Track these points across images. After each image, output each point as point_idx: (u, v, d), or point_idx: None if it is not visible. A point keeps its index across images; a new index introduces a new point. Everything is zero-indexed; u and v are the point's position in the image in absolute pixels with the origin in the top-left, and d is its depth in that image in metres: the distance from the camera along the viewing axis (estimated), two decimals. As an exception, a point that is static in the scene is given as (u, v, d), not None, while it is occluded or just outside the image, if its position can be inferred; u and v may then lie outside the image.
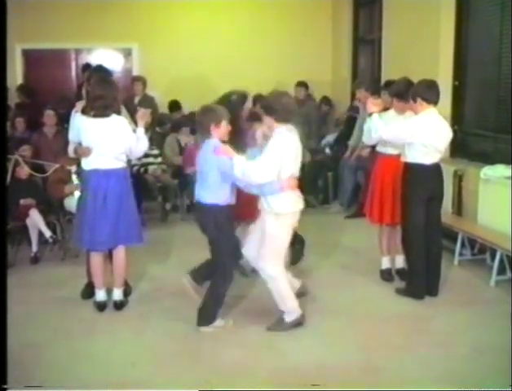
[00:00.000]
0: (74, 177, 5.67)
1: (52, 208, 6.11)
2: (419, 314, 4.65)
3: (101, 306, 4.72)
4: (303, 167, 4.46)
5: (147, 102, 8.17)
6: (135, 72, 9.71)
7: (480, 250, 5.79)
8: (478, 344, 4.11)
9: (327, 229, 6.95)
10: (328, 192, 8.41)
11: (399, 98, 5.05)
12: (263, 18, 9.87)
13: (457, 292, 5.07)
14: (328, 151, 8.59)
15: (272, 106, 4.13)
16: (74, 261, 5.76)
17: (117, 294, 4.77)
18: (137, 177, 6.97)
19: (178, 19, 9.77)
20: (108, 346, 4.17)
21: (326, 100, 9.65)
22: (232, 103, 4.80)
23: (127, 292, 4.93)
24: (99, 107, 4.48)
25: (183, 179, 7.46)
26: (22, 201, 5.95)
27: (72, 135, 4.77)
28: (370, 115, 4.77)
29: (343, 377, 3.71)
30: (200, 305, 4.32)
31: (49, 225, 5.90)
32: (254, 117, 4.97)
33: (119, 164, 4.59)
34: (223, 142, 4.19)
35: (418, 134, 4.66)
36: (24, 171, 6.08)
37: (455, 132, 5.60)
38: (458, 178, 6.18)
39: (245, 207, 4.50)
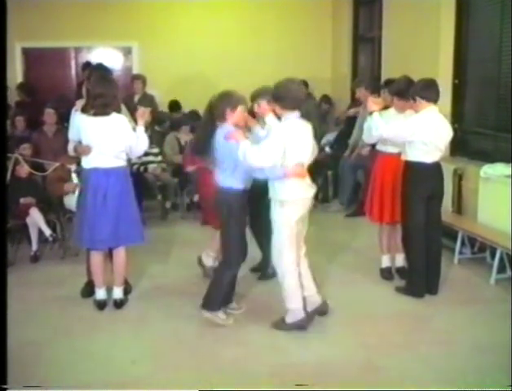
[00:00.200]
0: (74, 175, 5.68)
1: (52, 207, 6.10)
2: (419, 313, 4.65)
3: (101, 305, 4.72)
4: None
5: (147, 100, 8.17)
6: (135, 71, 9.70)
7: (480, 248, 5.79)
8: (479, 343, 4.11)
9: (327, 227, 6.94)
10: (328, 191, 8.39)
11: (400, 96, 5.04)
12: (263, 17, 9.86)
13: (457, 290, 5.07)
14: (328, 149, 8.56)
15: (280, 93, 4.11)
16: (74, 259, 5.76)
17: (117, 292, 4.77)
18: (137, 175, 6.96)
19: (177, 17, 9.77)
20: (108, 345, 4.17)
21: (326, 99, 9.65)
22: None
23: (127, 290, 4.93)
24: (99, 106, 4.47)
25: (183, 178, 7.45)
26: (22, 200, 5.94)
27: (72, 134, 4.76)
28: (370, 113, 4.76)
29: (344, 376, 3.71)
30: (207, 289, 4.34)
31: (49, 223, 5.89)
32: (252, 116, 4.96)
33: (119, 162, 4.58)
34: (239, 127, 4.17)
35: (419, 133, 4.66)
36: (24, 170, 6.07)
37: (455, 130, 5.59)
38: (458, 177, 6.18)
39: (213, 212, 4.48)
